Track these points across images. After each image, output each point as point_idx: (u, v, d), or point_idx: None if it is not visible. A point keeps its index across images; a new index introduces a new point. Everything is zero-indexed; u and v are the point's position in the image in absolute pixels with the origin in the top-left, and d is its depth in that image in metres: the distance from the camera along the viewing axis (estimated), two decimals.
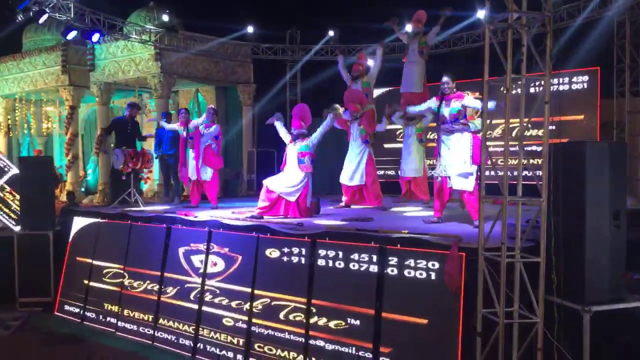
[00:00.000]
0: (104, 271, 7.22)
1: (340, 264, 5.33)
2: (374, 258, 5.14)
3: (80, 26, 10.08)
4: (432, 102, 6.33)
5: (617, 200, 4.37)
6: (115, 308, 6.92)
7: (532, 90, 9.12)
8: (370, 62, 10.04)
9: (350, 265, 5.26)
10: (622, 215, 4.35)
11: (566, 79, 9.76)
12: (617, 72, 9.63)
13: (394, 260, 5.02)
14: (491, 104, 5.04)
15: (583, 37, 9.58)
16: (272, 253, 5.81)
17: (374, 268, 5.12)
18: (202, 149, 8.17)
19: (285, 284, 5.65)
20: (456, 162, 5.89)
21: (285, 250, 5.72)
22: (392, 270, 5.01)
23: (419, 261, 4.89)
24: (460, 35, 11.30)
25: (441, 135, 6.04)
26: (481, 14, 9.89)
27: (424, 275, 4.84)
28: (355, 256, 5.25)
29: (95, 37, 10.35)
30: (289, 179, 7.00)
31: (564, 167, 4.30)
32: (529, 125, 9.04)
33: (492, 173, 4.52)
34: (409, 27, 8.93)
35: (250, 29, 12.45)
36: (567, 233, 4.25)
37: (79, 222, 7.80)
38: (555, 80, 9.56)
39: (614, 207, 4.32)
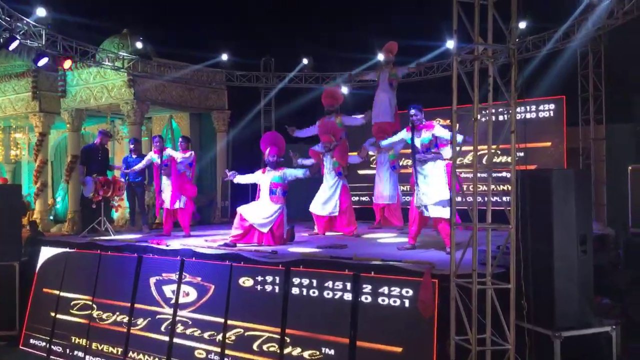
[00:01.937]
0: (72, 303, 7.00)
1: (314, 293, 5.29)
2: (348, 286, 5.12)
3: (51, 53, 9.99)
4: (404, 134, 6.44)
5: (584, 226, 4.47)
6: (83, 341, 6.70)
7: (500, 117, 9.35)
8: (344, 90, 10.20)
9: (325, 294, 5.23)
10: (588, 240, 4.45)
11: (533, 107, 10.05)
12: (582, 101, 9.98)
13: (368, 288, 5.02)
14: (460, 138, 5.16)
15: (549, 67, 9.93)
16: (246, 282, 5.74)
17: (348, 296, 5.10)
18: (176, 177, 8.10)
19: (259, 314, 5.57)
20: (432, 191, 5.97)
21: (259, 278, 5.66)
22: (366, 298, 5.00)
23: (392, 289, 4.89)
24: (431, 65, 11.56)
25: (416, 166, 6.12)
26: (450, 44, 10.17)
27: (398, 302, 4.84)
28: (330, 284, 5.22)
29: (67, 63, 10.27)
30: (262, 210, 6.95)
31: (531, 194, 4.40)
32: (499, 152, 9.24)
33: (463, 200, 4.59)
34: (380, 56, 9.13)
35: (224, 57, 12.53)
36: (536, 259, 4.33)
37: (46, 252, 7.59)
38: (523, 109, 9.84)
39: (580, 232, 4.42)
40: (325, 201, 8.03)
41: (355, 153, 9.13)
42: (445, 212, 5.92)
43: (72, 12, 11.02)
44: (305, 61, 12.77)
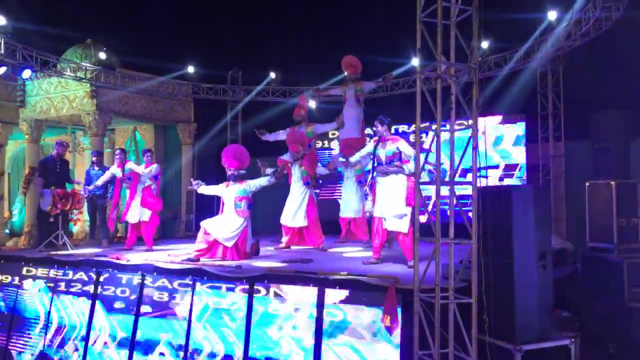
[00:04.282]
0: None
1: (279, 307, 5.23)
2: (313, 301, 5.08)
3: (10, 62, 9.71)
4: (370, 146, 6.48)
5: (543, 241, 4.58)
6: None
7: (463, 134, 9.52)
8: (312, 104, 10.23)
9: (290, 309, 5.17)
10: (547, 255, 4.56)
11: (495, 124, 10.28)
12: (541, 119, 10.29)
13: (332, 302, 4.99)
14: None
15: (510, 86, 10.21)
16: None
17: (312, 311, 5.06)
18: (140, 190, 7.94)
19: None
20: (390, 204, 6.01)
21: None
22: (331, 314, 4.97)
23: (356, 303, 4.88)
24: (397, 81, 11.73)
25: (376, 177, 6.17)
26: (415, 61, 10.34)
27: (362, 317, 4.82)
28: (294, 299, 5.17)
29: (27, 73, 9.99)
30: (227, 224, 6.86)
31: (492, 210, 4.48)
32: (461, 168, 9.37)
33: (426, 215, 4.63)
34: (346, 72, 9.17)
35: (190, 69, 12.42)
36: (497, 273, 4.40)
37: None
38: (485, 126, 10.03)
39: (540, 247, 4.51)
40: (295, 212, 8.00)
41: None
42: (402, 226, 5.96)
43: (34, 20, 10.74)
44: (272, 75, 12.78)
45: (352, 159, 7.13)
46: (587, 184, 7.21)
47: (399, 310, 4.63)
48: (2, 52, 9.46)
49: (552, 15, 9.21)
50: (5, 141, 13.33)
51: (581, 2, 8.55)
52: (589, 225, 7.08)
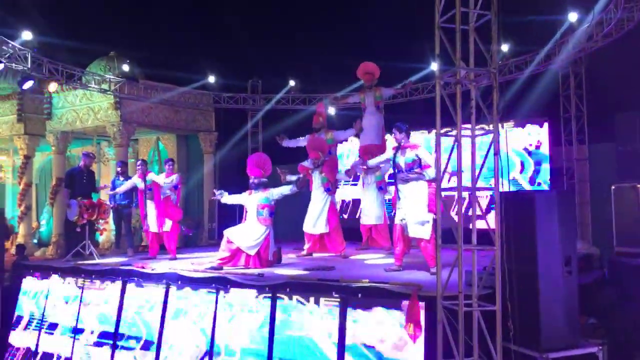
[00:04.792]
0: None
1: (301, 316, 5.25)
2: (335, 309, 5.08)
3: (37, 76, 9.98)
4: (389, 153, 6.48)
5: (568, 247, 4.50)
6: None
7: (484, 139, 9.43)
8: (331, 111, 10.26)
9: (312, 317, 5.19)
10: (572, 261, 4.48)
11: (516, 129, 10.17)
12: (564, 121, 10.15)
13: (355, 311, 4.99)
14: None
15: (531, 89, 10.10)
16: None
17: (334, 320, 5.06)
18: (161, 200, 8.06)
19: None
20: (412, 210, 5.99)
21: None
22: (353, 321, 4.96)
23: (380, 312, 4.87)
24: (416, 86, 11.70)
25: (397, 184, 6.16)
26: (435, 66, 10.30)
27: (385, 325, 4.81)
28: (317, 307, 5.18)
29: (53, 86, 10.26)
30: (249, 232, 6.91)
31: (515, 216, 4.43)
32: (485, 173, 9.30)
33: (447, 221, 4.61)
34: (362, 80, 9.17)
35: (211, 79, 12.60)
36: (521, 280, 4.34)
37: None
38: (506, 130, 9.95)
39: (564, 253, 4.44)
40: (316, 219, 8.03)
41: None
42: (424, 232, 5.93)
43: (59, 35, 11.05)
44: (292, 83, 12.88)
45: (370, 162, 7.14)
46: (613, 187, 7.08)
47: (422, 317, 4.60)
48: (29, 66, 9.74)
49: (572, 16, 9.11)
50: (33, 153, 13.70)
51: (602, 3, 8.44)
52: (616, 230, 6.94)
